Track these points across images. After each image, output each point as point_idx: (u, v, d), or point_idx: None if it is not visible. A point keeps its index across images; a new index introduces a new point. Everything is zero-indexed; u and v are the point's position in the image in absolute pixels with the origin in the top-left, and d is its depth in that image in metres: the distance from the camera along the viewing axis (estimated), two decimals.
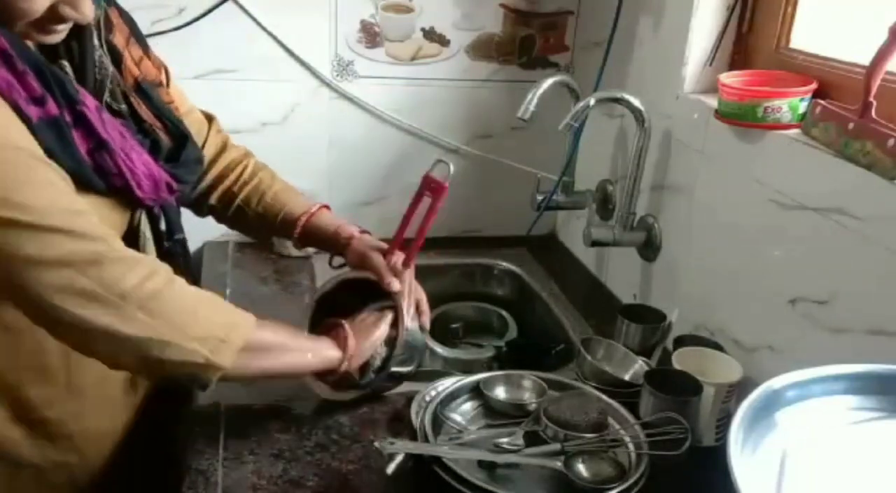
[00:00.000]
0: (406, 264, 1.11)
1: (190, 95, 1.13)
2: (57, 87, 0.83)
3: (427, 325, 1.12)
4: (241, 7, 1.51)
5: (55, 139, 0.82)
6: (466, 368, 1.38)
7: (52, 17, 0.80)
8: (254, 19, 1.52)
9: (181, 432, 1.06)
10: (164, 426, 1.10)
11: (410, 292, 1.10)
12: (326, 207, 1.20)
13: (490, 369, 1.40)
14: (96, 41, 0.91)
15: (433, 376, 1.16)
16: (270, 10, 1.52)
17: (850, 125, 0.95)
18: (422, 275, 1.63)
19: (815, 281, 1.01)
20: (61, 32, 0.84)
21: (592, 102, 1.28)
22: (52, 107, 0.82)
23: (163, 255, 0.99)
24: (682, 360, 1.07)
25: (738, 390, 1.02)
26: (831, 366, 0.75)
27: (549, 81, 1.37)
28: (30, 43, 0.82)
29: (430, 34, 1.62)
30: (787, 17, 1.19)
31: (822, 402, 0.73)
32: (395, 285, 1.08)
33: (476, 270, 1.70)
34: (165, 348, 0.84)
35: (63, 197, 0.82)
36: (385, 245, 1.12)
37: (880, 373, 0.75)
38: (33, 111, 0.80)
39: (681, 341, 1.15)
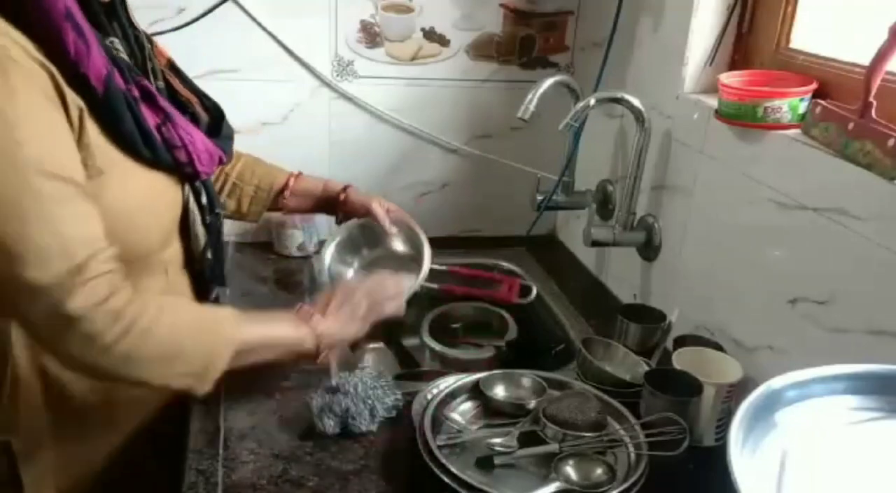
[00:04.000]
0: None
1: None
2: (122, 64, 0.87)
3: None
4: (241, 7, 1.51)
5: (125, 112, 0.85)
6: (466, 368, 1.38)
7: None
8: (254, 19, 1.52)
9: (182, 431, 1.06)
10: (169, 425, 1.11)
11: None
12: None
13: (490, 369, 1.40)
14: (125, 20, 0.95)
15: (433, 376, 1.16)
16: (270, 10, 1.52)
17: (850, 125, 0.95)
18: None
19: (815, 281, 1.01)
20: None
21: (592, 102, 1.28)
22: (120, 81, 0.85)
23: (205, 229, 1.05)
24: (682, 360, 1.07)
25: (738, 390, 1.02)
26: (831, 366, 0.75)
27: (549, 81, 1.37)
28: None
29: (430, 34, 1.62)
30: (787, 17, 1.19)
31: (822, 402, 0.73)
32: (394, 229, 1.27)
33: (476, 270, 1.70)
34: (153, 383, 0.90)
35: (84, 228, 0.83)
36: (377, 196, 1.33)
37: (880, 373, 0.75)
38: (99, 83, 0.83)
39: (681, 341, 1.15)
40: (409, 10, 1.59)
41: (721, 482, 0.62)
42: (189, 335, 0.90)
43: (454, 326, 1.57)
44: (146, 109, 0.90)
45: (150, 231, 0.96)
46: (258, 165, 1.31)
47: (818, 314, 1.00)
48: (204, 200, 1.04)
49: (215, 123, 1.05)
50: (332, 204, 1.34)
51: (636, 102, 1.29)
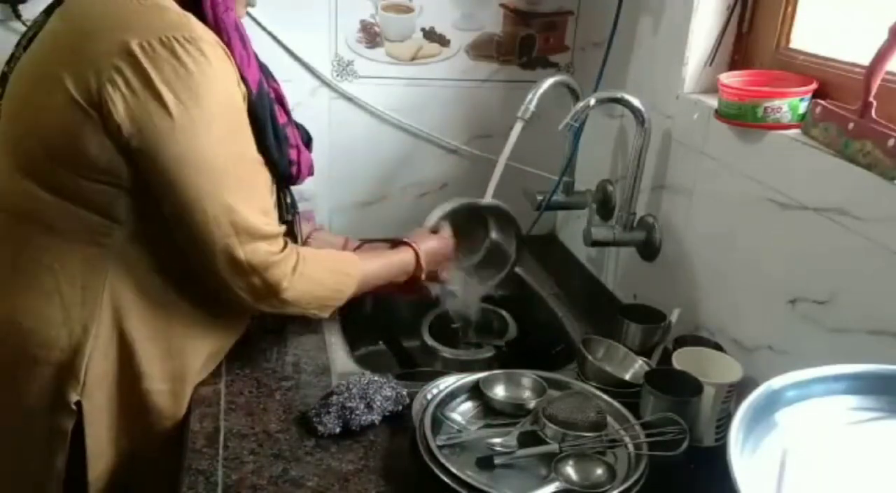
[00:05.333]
0: None
1: None
2: (265, 68, 1.08)
3: None
4: None
5: (268, 110, 1.01)
6: (466, 368, 1.38)
7: None
8: (254, 19, 1.52)
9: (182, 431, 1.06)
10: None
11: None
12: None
13: (490, 369, 1.40)
14: None
15: (433, 376, 1.16)
16: (270, 9, 1.52)
17: (850, 125, 0.95)
18: None
19: (815, 281, 1.01)
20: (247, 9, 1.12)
21: (592, 102, 1.28)
22: (265, 83, 1.03)
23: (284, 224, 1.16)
24: (682, 360, 1.07)
25: (738, 390, 1.02)
26: (831, 366, 0.75)
27: (549, 81, 1.37)
28: None
29: (430, 34, 1.62)
30: (787, 17, 1.19)
31: (822, 402, 0.73)
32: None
33: None
34: (289, 313, 1.08)
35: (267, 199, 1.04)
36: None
37: (880, 373, 0.75)
38: (255, 85, 0.99)
39: (681, 341, 1.15)
40: (409, 10, 1.59)
41: (721, 482, 0.62)
42: (321, 273, 1.09)
43: (454, 326, 1.57)
44: (278, 108, 1.06)
45: None
46: None
47: (818, 314, 1.00)
48: (288, 199, 1.17)
49: (306, 143, 1.20)
50: None
51: (636, 102, 1.29)
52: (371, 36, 1.60)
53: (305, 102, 1.61)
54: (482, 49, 1.65)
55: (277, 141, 1.04)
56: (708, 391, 1.01)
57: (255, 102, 0.99)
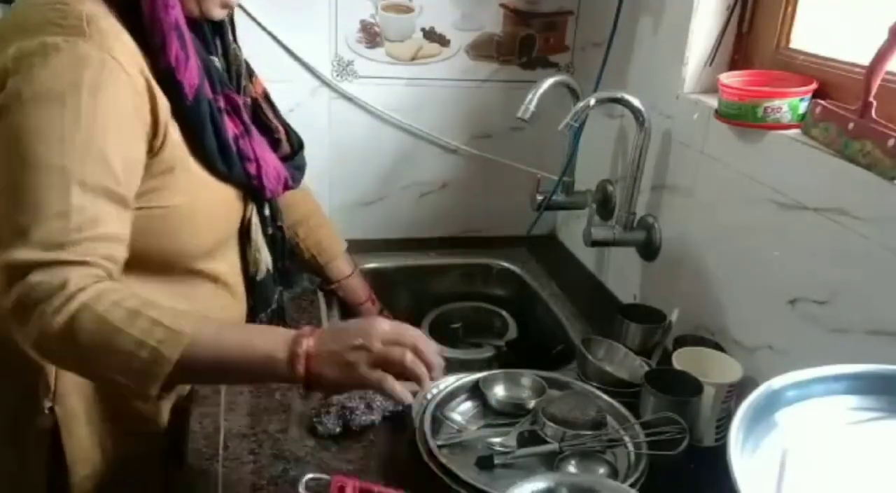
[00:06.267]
0: None
1: None
2: (215, 75, 0.97)
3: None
4: (241, 7, 1.50)
5: (208, 120, 0.93)
6: (466, 368, 1.38)
7: None
8: (254, 19, 1.52)
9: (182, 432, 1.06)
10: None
11: None
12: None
13: (490, 369, 1.40)
14: (230, 38, 1.05)
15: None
16: (270, 9, 1.52)
17: (850, 125, 0.95)
18: (422, 275, 1.63)
19: (815, 281, 1.01)
20: (226, 9, 0.98)
21: (592, 102, 1.28)
22: (208, 90, 0.94)
23: (267, 240, 1.11)
24: (682, 360, 1.07)
25: (738, 390, 1.02)
26: (831, 366, 0.75)
27: (549, 81, 1.37)
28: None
29: (430, 34, 1.62)
30: (787, 17, 1.19)
31: (822, 402, 0.74)
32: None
33: (476, 270, 1.70)
34: (86, 374, 0.87)
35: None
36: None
37: (880, 373, 0.75)
38: (191, 92, 0.91)
39: (681, 341, 1.15)
40: (409, 10, 1.59)
41: (721, 482, 0.62)
42: (126, 324, 0.78)
43: (454, 326, 1.57)
44: (229, 120, 0.98)
45: (203, 237, 1.00)
46: (321, 232, 1.36)
47: (818, 314, 1.00)
48: (266, 212, 1.10)
49: (293, 154, 1.14)
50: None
51: (636, 102, 1.29)
52: (371, 36, 1.60)
53: (305, 102, 1.61)
54: (482, 49, 1.65)
55: (224, 155, 0.97)
56: (708, 391, 1.01)
57: (189, 108, 0.92)
